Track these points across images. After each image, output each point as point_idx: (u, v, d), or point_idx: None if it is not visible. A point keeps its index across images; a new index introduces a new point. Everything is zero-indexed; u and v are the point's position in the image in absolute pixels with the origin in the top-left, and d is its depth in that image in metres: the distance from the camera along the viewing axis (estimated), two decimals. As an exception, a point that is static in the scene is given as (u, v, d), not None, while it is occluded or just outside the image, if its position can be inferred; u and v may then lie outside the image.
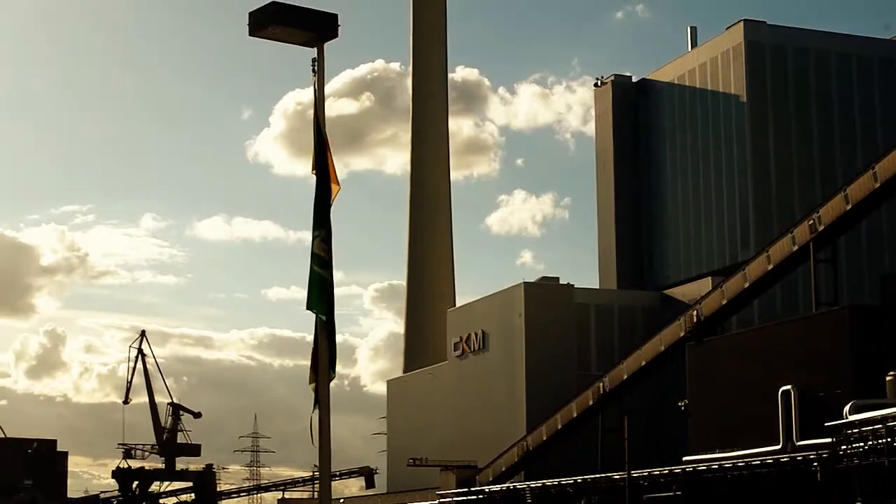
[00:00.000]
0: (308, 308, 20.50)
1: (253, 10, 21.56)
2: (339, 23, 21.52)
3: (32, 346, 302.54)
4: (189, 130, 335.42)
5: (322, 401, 20.28)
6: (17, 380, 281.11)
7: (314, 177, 20.11)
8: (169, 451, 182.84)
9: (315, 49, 21.28)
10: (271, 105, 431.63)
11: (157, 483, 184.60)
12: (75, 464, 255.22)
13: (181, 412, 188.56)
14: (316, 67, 20.81)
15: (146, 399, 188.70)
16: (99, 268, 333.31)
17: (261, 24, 21.46)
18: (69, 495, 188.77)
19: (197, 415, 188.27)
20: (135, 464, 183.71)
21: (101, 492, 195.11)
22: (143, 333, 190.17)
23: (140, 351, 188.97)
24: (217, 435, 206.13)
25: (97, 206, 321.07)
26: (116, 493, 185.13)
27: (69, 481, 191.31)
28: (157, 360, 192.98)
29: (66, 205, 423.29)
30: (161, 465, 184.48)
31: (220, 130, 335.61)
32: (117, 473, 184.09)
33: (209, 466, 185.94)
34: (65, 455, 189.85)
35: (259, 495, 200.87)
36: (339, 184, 20.40)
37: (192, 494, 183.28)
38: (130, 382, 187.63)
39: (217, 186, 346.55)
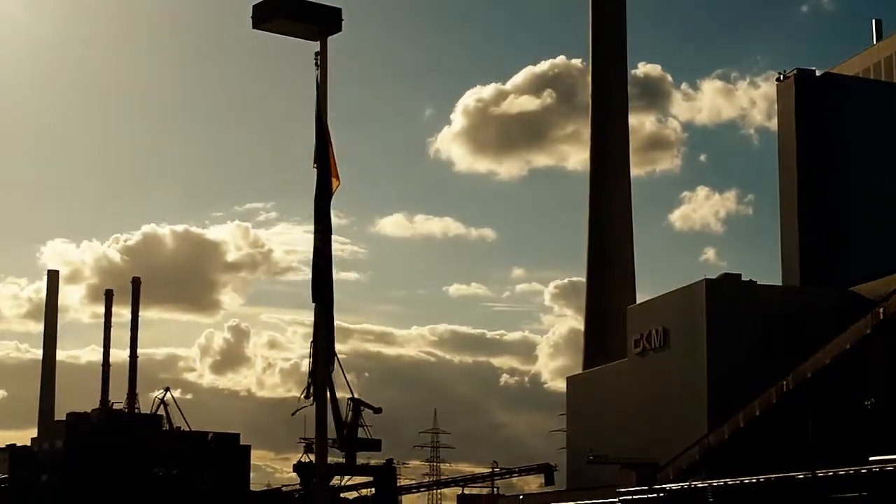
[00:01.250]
0: (314, 300, 20.33)
1: (257, 3, 21.59)
2: (344, 17, 21.38)
3: (217, 341, 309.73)
4: (372, 128, 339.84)
5: (320, 392, 20.37)
6: (203, 374, 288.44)
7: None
8: (350, 446, 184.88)
9: (318, 43, 21.21)
10: (452, 102, 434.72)
11: (338, 477, 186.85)
12: (258, 457, 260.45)
13: (362, 407, 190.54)
14: (319, 61, 20.73)
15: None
16: (281, 264, 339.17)
17: (264, 16, 21.50)
18: (252, 488, 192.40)
19: (377, 410, 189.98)
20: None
21: (283, 485, 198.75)
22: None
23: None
24: (397, 430, 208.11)
25: (279, 204, 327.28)
26: (298, 486, 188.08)
27: (252, 474, 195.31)
28: (339, 355, 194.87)
29: (250, 202, 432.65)
30: (342, 460, 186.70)
31: (403, 128, 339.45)
32: (299, 467, 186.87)
33: (389, 461, 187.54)
34: (248, 449, 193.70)
35: (439, 491, 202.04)
36: (339, 178, 20.31)
37: (373, 489, 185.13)
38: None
39: (399, 184, 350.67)
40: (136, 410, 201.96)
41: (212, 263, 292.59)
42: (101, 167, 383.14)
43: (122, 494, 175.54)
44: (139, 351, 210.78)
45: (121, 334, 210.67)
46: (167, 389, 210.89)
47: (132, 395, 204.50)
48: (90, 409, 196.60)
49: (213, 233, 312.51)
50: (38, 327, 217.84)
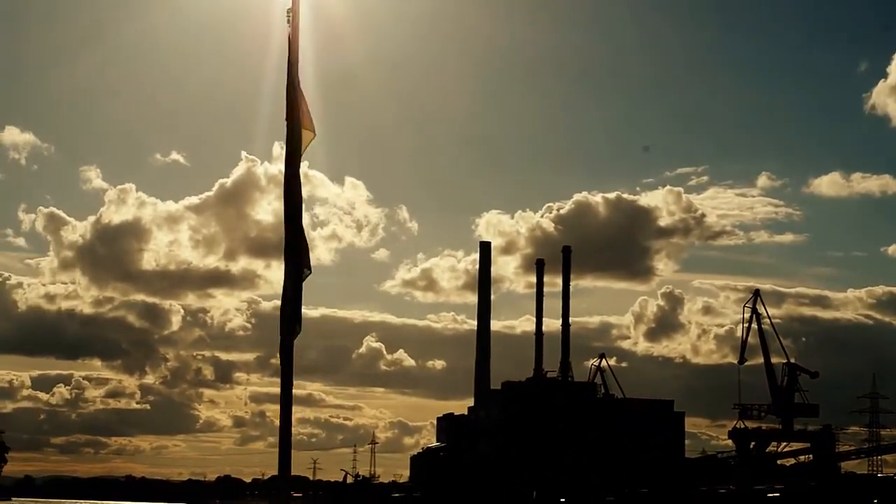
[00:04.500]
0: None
1: None
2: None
3: (651, 308, 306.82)
4: (803, 87, 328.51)
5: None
6: (637, 341, 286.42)
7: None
8: (785, 412, 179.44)
9: None
10: (887, 56, 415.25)
11: (775, 443, 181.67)
12: (693, 424, 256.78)
13: (798, 372, 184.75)
14: (290, 18, 19.43)
15: (762, 359, 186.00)
16: (714, 228, 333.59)
17: None
18: (686, 455, 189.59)
19: (814, 374, 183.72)
20: (751, 424, 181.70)
21: (719, 452, 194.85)
22: (756, 293, 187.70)
23: (754, 311, 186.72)
24: (834, 395, 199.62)
25: (711, 168, 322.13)
26: (733, 453, 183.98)
27: (686, 442, 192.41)
28: (773, 320, 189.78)
29: (681, 167, 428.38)
30: (777, 426, 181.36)
31: (836, 84, 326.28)
32: (734, 434, 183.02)
33: (827, 427, 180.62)
34: (682, 416, 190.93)
35: (880, 457, 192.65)
36: (314, 131, 19.02)
37: (810, 455, 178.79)
38: (745, 343, 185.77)
39: (833, 142, 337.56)
40: (570, 379, 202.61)
41: (644, 230, 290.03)
42: (532, 138, 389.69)
43: (557, 462, 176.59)
44: (572, 319, 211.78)
45: (554, 303, 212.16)
46: (602, 356, 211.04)
47: (565, 363, 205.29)
48: (524, 377, 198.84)
49: (646, 199, 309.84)
50: (475, 298, 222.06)
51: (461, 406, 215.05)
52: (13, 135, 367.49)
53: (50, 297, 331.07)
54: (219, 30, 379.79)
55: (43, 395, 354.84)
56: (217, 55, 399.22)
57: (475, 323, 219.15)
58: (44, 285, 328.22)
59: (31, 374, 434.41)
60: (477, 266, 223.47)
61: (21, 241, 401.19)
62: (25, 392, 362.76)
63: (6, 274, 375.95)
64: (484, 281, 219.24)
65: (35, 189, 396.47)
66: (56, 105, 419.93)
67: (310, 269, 18.53)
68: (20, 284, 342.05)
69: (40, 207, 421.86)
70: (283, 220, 18.52)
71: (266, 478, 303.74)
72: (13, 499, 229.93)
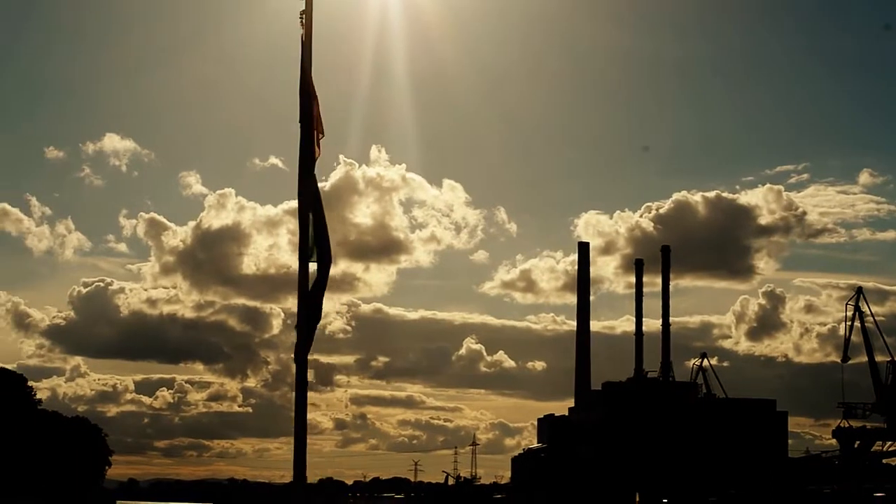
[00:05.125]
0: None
1: None
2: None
3: (752, 307, 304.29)
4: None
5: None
6: (738, 341, 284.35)
7: None
8: (890, 410, 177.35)
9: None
10: None
11: (880, 443, 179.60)
12: (796, 424, 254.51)
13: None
14: (304, 20, 19.35)
15: (865, 358, 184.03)
16: (815, 226, 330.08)
17: None
18: (790, 455, 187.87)
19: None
20: (855, 423, 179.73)
21: (822, 451, 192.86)
22: (859, 291, 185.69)
23: (857, 309, 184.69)
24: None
25: (812, 165, 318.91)
26: (837, 452, 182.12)
27: (789, 441, 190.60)
28: (876, 318, 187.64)
29: (781, 165, 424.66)
30: (882, 425, 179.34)
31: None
32: (838, 433, 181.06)
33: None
34: (784, 415, 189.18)
35: None
36: (322, 132, 18.97)
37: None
38: (848, 341, 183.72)
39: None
40: (671, 379, 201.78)
41: (744, 228, 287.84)
42: (630, 138, 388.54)
43: (659, 462, 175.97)
44: (672, 319, 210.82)
45: (653, 303, 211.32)
46: (703, 356, 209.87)
47: (666, 363, 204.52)
48: (625, 378, 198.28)
49: (745, 197, 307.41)
50: (574, 299, 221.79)
51: (562, 407, 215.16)
52: (113, 142, 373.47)
53: (152, 302, 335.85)
54: (314, 34, 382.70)
55: (146, 399, 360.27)
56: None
57: (575, 324, 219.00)
58: (145, 290, 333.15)
59: (135, 378, 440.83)
60: (576, 267, 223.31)
61: (123, 247, 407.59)
62: (129, 396, 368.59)
63: (108, 279, 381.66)
64: (583, 281, 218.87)
65: (136, 195, 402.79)
66: (155, 112, 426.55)
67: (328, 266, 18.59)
68: (122, 290, 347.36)
69: (141, 213, 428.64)
70: (298, 221, 18.40)
71: (367, 479, 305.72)
72: (118, 502, 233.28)
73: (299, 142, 18.48)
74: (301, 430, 17.39)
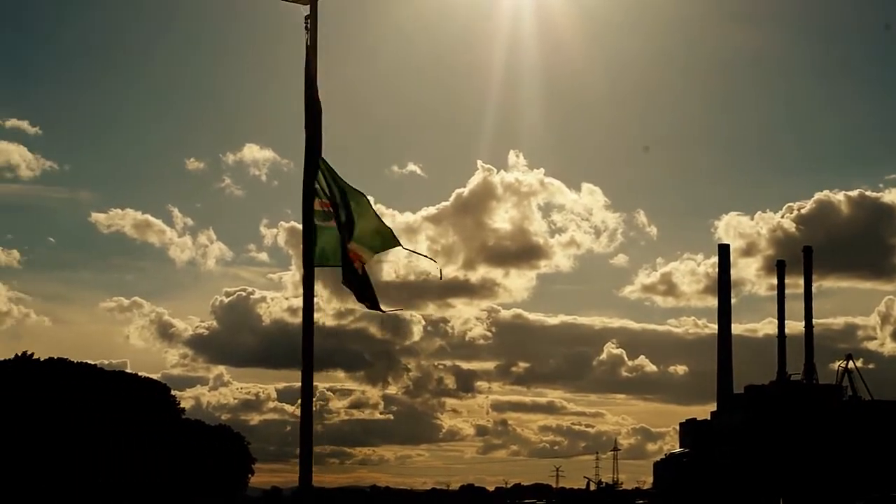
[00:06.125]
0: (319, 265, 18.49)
1: None
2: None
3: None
4: None
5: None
6: (884, 342, 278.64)
7: None
8: None
9: (308, 6, 18.95)
10: None
11: None
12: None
13: None
14: (308, 25, 18.50)
15: None
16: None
17: None
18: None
19: None
20: None
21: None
22: None
23: None
24: None
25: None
26: None
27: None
28: None
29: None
30: None
31: None
32: None
33: None
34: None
35: None
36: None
37: None
38: None
39: None
40: (815, 381, 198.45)
41: (889, 227, 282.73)
42: (769, 138, 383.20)
43: (803, 466, 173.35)
44: (815, 321, 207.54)
45: (796, 305, 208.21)
46: (849, 357, 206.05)
47: (809, 365, 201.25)
48: (768, 381, 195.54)
49: (890, 196, 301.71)
50: (715, 302, 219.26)
51: (704, 411, 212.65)
52: (253, 152, 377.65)
53: (293, 311, 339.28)
54: (447, 40, 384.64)
55: (288, 407, 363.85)
56: (445, 64, 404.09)
57: (716, 327, 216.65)
58: (286, 299, 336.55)
59: (277, 386, 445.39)
60: (717, 269, 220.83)
61: (264, 256, 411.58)
62: (271, 404, 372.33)
63: (250, 289, 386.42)
64: (724, 284, 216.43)
65: (276, 204, 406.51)
66: (293, 121, 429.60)
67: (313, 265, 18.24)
68: (263, 298, 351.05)
69: (281, 222, 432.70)
70: (302, 228, 18.12)
71: (509, 486, 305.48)
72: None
73: (305, 150, 18.32)
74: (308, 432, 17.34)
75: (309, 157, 18.06)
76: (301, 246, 17.89)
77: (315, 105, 18.33)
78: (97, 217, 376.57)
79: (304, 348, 17.67)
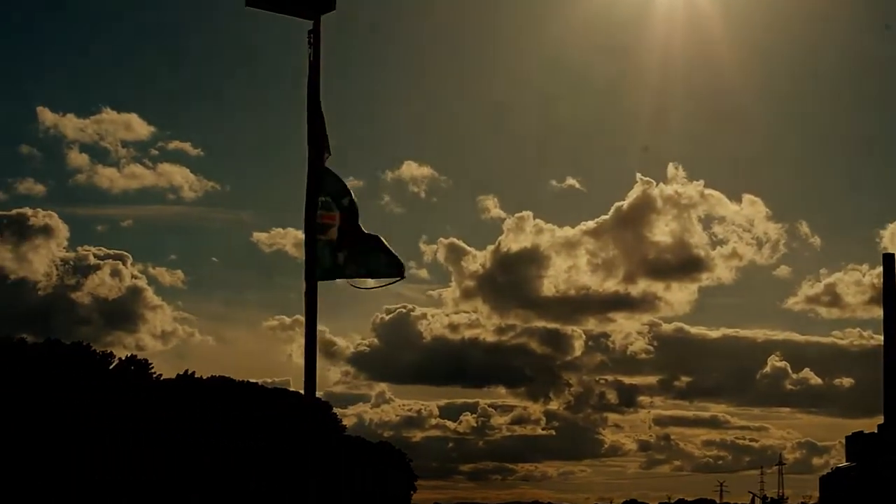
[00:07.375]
0: (323, 278, 19.38)
1: None
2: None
3: None
4: None
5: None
6: None
7: None
8: None
9: (312, 21, 18.89)
10: None
11: None
12: None
13: None
14: (312, 40, 18.41)
15: None
16: None
17: None
18: None
19: None
20: None
21: None
22: None
23: None
24: None
25: None
26: None
27: None
28: None
29: None
30: None
31: None
32: None
33: None
34: None
35: None
36: (329, 151, 18.56)
37: None
38: None
39: None
40: None
41: None
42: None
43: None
44: None
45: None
46: None
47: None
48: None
49: None
50: (880, 312, 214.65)
51: (871, 424, 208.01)
52: (411, 169, 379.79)
53: (453, 327, 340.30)
54: (599, 51, 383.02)
55: (450, 424, 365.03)
56: (598, 76, 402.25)
57: (882, 338, 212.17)
58: (447, 315, 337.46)
59: (439, 403, 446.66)
60: (881, 279, 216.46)
61: (424, 273, 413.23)
62: (433, 421, 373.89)
63: (410, 306, 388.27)
64: (889, 294, 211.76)
65: (435, 221, 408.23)
66: (450, 137, 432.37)
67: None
68: (424, 315, 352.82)
69: (441, 238, 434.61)
70: (304, 243, 18.87)
71: (672, 501, 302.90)
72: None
73: (308, 164, 18.43)
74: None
75: (311, 173, 18.20)
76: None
77: (318, 122, 18.34)
78: (259, 236, 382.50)
79: (307, 357, 18.81)
